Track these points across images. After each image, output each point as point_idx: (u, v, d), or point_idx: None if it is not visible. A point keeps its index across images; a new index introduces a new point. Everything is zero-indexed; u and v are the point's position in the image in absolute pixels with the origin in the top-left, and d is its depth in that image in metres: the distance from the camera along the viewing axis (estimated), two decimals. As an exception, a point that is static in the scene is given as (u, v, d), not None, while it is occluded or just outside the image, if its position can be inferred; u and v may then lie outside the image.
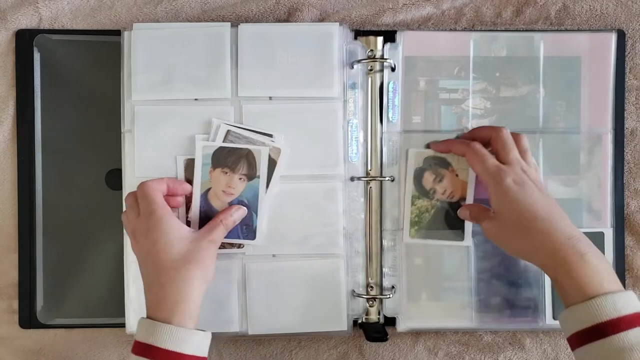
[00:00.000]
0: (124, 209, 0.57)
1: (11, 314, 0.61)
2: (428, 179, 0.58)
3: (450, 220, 0.59)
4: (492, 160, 0.53)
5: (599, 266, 0.47)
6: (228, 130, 0.57)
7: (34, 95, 0.60)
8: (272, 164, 0.57)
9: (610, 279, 0.47)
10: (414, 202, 0.58)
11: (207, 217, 0.56)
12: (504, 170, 0.52)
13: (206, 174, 0.57)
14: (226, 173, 0.56)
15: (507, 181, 0.51)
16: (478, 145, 0.54)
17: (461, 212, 0.58)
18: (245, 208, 0.56)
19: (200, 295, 0.50)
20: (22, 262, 0.60)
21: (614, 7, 0.62)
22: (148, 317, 0.50)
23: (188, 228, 0.53)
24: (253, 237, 0.57)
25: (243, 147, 0.56)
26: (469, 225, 0.58)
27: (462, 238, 0.58)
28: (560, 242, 0.48)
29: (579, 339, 0.46)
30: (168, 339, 0.47)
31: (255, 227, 0.57)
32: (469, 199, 0.58)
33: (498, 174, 0.52)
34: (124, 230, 0.58)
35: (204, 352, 0.49)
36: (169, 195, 0.55)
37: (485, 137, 0.56)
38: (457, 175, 0.58)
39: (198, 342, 0.49)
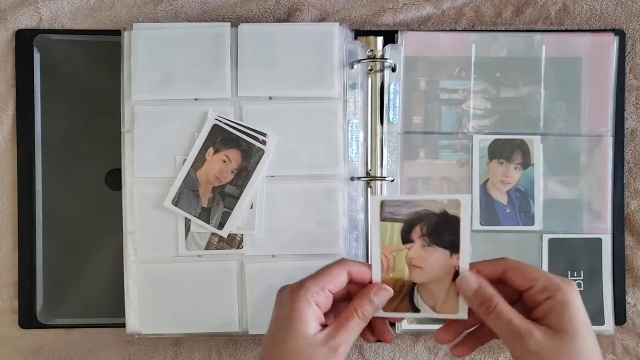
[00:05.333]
0: (124, 208, 0.58)
1: (11, 314, 0.61)
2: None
3: None
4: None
5: None
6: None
7: (34, 95, 0.60)
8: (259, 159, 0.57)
9: None
10: None
11: (487, 207, 0.59)
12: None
13: (483, 166, 0.59)
14: (502, 163, 0.58)
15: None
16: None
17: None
18: (390, 289, 0.46)
19: None
20: (22, 262, 0.60)
21: (614, 7, 0.62)
22: None
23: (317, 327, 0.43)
24: (532, 223, 0.59)
25: (517, 137, 0.59)
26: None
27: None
28: None
29: None
30: None
31: (533, 213, 0.59)
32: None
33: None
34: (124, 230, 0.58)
35: None
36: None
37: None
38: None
39: None
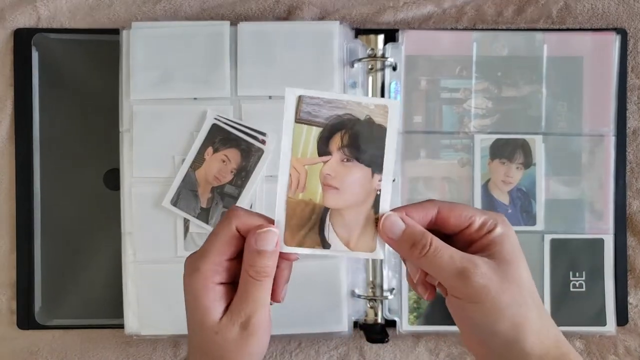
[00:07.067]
0: (122, 209, 0.57)
1: (9, 314, 0.60)
2: None
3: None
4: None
5: None
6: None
7: (32, 94, 0.60)
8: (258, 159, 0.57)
9: None
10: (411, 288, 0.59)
11: (488, 207, 0.59)
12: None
13: (485, 165, 0.59)
14: (504, 163, 0.58)
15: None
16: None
17: None
18: (271, 228, 0.39)
19: None
20: (20, 263, 0.60)
21: (615, 6, 0.61)
22: None
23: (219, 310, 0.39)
24: (534, 223, 0.59)
25: (518, 137, 0.58)
26: None
27: None
28: None
29: None
30: None
31: (535, 213, 0.59)
32: None
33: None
34: (121, 231, 0.57)
35: None
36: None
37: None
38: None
39: None
